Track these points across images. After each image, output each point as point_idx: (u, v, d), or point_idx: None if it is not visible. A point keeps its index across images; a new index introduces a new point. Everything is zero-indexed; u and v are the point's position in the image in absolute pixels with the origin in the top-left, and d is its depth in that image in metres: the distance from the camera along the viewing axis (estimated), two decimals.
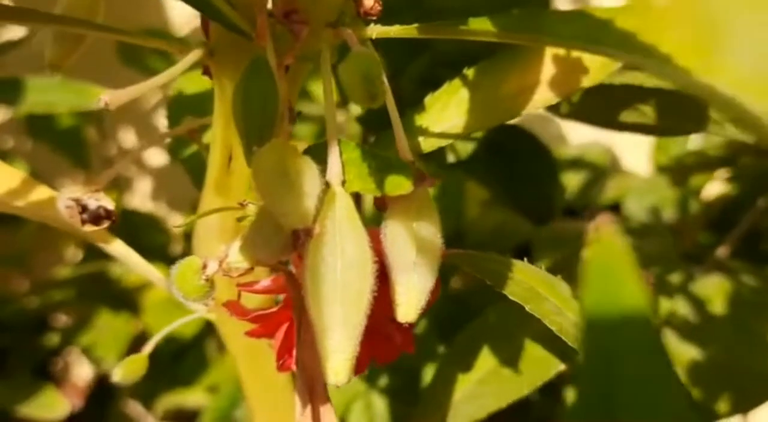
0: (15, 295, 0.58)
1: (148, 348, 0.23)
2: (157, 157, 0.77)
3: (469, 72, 0.23)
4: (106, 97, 0.16)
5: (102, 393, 0.55)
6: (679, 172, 0.52)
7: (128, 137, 0.75)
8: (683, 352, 0.45)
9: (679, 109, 0.24)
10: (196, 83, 0.27)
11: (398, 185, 0.17)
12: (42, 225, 0.76)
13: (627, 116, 0.26)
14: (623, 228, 0.47)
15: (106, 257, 0.59)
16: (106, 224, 0.21)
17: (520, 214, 0.42)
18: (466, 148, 0.31)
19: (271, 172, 0.16)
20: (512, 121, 0.44)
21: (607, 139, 0.68)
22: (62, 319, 0.59)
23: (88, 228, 0.20)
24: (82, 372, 0.66)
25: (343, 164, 0.17)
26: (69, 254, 0.71)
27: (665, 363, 0.08)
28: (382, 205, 0.19)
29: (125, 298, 0.53)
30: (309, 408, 0.18)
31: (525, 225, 0.53)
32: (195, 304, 0.23)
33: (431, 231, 0.18)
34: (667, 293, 0.44)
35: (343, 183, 0.17)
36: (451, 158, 0.32)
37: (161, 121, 0.83)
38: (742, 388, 0.44)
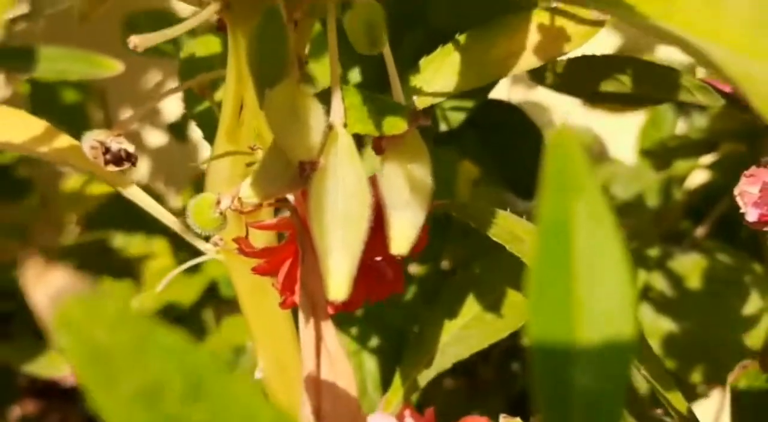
0: (17, 264, 0.59)
1: (163, 284, 0.25)
2: (155, 137, 0.78)
3: (461, 38, 0.25)
4: (136, 39, 0.18)
5: None
6: (662, 156, 0.54)
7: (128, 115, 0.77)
8: (659, 325, 0.47)
9: (652, 77, 0.27)
10: (206, 47, 0.29)
11: (395, 125, 0.19)
12: (44, 201, 0.77)
13: (606, 85, 0.29)
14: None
15: (105, 230, 0.61)
16: (126, 166, 0.23)
17: (509, 189, 0.44)
18: (458, 117, 0.33)
19: (282, 109, 0.18)
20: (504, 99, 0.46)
21: (595, 127, 0.70)
22: None
23: (110, 168, 0.22)
24: None
25: (345, 109, 0.19)
26: (69, 230, 0.73)
27: (616, 228, 0.11)
28: (379, 149, 0.21)
29: (126, 268, 0.55)
30: (312, 323, 0.20)
31: (514, 205, 0.55)
32: (206, 246, 0.25)
33: (423, 172, 0.20)
34: (645, 266, 0.46)
35: (345, 125, 0.19)
36: (443, 127, 0.34)
37: (162, 105, 0.84)
38: (715, 360, 0.47)
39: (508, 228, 0.23)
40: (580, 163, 0.11)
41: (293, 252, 0.22)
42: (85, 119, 0.67)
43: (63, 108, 0.65)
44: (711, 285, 0.47)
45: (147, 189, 0.65)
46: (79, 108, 0.66)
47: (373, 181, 0.21)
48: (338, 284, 0.18)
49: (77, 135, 0.67)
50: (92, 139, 0.22)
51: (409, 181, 0.20)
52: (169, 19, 0.60)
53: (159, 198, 0.68)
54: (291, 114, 0.18)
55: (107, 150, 0.22)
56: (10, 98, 0.72)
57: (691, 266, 0.48)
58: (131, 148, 0.22)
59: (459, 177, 0.52)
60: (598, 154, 0.71)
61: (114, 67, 0.41)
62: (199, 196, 0.21)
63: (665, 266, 0.48)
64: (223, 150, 0.23)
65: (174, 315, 0.53)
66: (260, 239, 0.24)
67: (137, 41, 0.18)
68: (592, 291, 0.11)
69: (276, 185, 0.19)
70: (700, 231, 0.52)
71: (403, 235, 0.20)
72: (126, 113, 0.77)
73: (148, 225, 0.62)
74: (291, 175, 0.19)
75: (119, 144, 0.22)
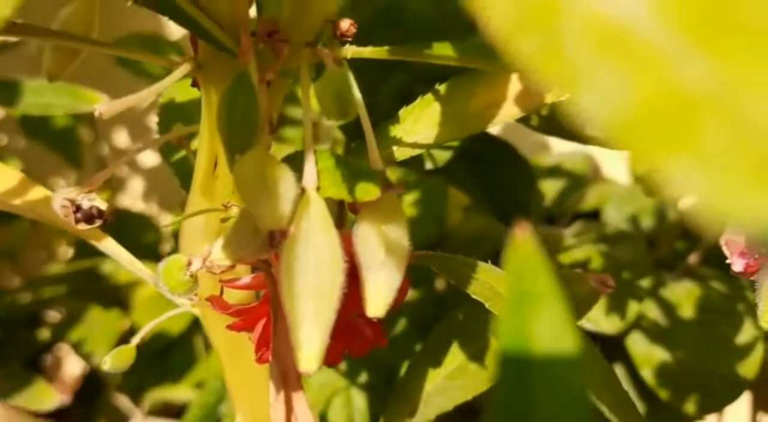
0: (6, 291, 0.59)
1: (136, 339, 0.25)
2: (148, 158, 0.78)
3: (441, 87, 0.24)
4: (102, 107, 0.18)
5: (90, 387, 0.56)
6: (655, 181, 0.54)
7: (121, 138, 0.77)
8: (652, 354, 0.46)
9: None
10: (185, 92, 0.28)
11: (367, 191, 0.19)
12: (34, 223, 0.77)
13: (592, 129, 0.28)
14: (597, 235, 0.49)
15: (96, 255, 0.61)
16: (98, 223, 0.22)
17: (498, 221, 0.44)
18: (444, 156, 0.33)
19: (251, 177, 0.18)
20: (493, 132, 0.45)
21: (588, 148, 0.69)
22: (54, 315, 0.60)
23: (81, 226, 0.22)
24: (71, 369, 0.67)
25: (318, 172, 0.19)
26: (60, 252, 0.72)
27: (574, 338, 0.10)
28: (355, 210, 0.20)
29: (115, 295, 0.54)
30: (282, 395, 0.20)
31: (505, 231, 0.55)
32: (181, 300, 0.25)
33: (399, 233, 0.20)
34: (637, 297, 0.45)
35: (318, 189, 0.19)
36: (429, 165, 0.33)
37: (153, 123, 0.84)
38: (709, 390, 0.46)
39: (488, 283, 0.22)
40: (538, 276, 0.10)
41: (268, 311, 0.22)
42: (76, 140, 0.67)
43: (54, 130, 0.65)
44: (704, 314, 0.47)
45: (139, 216, 0.64)
46: (69, 129, 0.65)
47: (350, 237, 0.20)
48: (309, 357, 0.17)
49: (69, 157, 0.66)
50: (62, 197, 0.21)
51: (385, 241, 0.20)
52: (157, 54, 0.59)
53: (152, 219, 0.68)
54: (260, 182, 0.18)
55: (78, 208, 0.22)
56: (1, 121, 0.72)
57: (684, 294, 0.48)
58: (103, 205, 0.22)
59: (450, 204, 0.52)
60: (592, 173, 0.71)
61: (99, 99, 0.41)
62: (170, 258, 0.20)
63: (658, 294, 0.47)
64: (197, 203, 0.23)
65: (163, 343, 0.52)
66: (236, 294, 0.23)
67: (102, 110, 0.17)
68: (551, 403, 0.11)
69: (247, 250, 0.19)
70: (693, 257, 0.51)
71: (379, 298, 0.20)
72: (117, 133, 0.76)
73: (139, 249, 0.62)
74: (262, 241, 0.19)
75: (90, 201, 0.22)
